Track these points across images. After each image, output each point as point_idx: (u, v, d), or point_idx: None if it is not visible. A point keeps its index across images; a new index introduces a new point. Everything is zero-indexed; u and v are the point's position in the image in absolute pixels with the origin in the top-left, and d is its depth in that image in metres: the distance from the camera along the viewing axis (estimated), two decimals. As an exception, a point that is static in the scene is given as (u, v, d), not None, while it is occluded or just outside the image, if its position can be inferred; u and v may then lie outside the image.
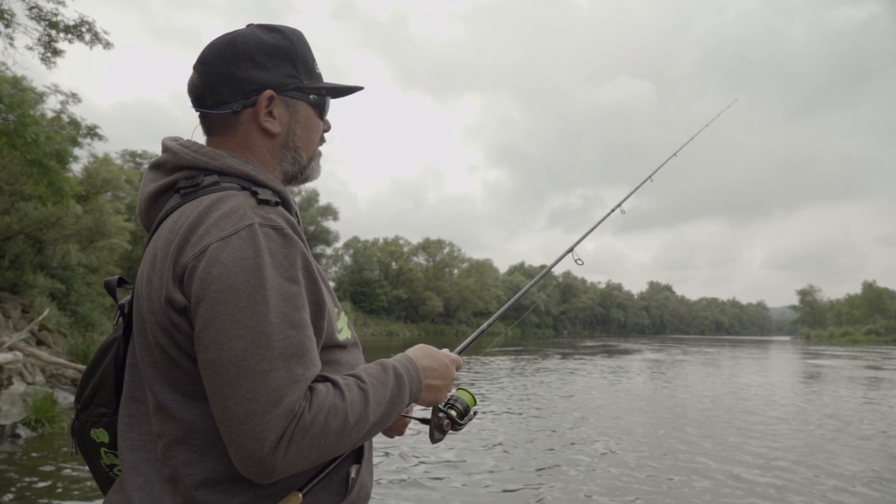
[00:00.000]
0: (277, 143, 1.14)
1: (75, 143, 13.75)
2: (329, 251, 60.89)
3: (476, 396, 1.32)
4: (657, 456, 7.32)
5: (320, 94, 1.17)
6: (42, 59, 11.71)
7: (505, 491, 5.80)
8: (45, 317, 13.94)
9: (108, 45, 11.73)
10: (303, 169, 1.19)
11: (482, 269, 77.30)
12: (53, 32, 11.44)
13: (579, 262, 1.92)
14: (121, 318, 1.14)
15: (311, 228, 53.26)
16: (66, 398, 9.25)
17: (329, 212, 55.37)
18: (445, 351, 1.24)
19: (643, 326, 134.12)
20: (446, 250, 73.66)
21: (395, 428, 1.34)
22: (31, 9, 11.19)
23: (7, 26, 11.20)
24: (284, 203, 1.07)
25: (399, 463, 6.64)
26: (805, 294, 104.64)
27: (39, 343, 13.04)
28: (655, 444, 7.98)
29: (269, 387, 0.88)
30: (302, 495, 1.00)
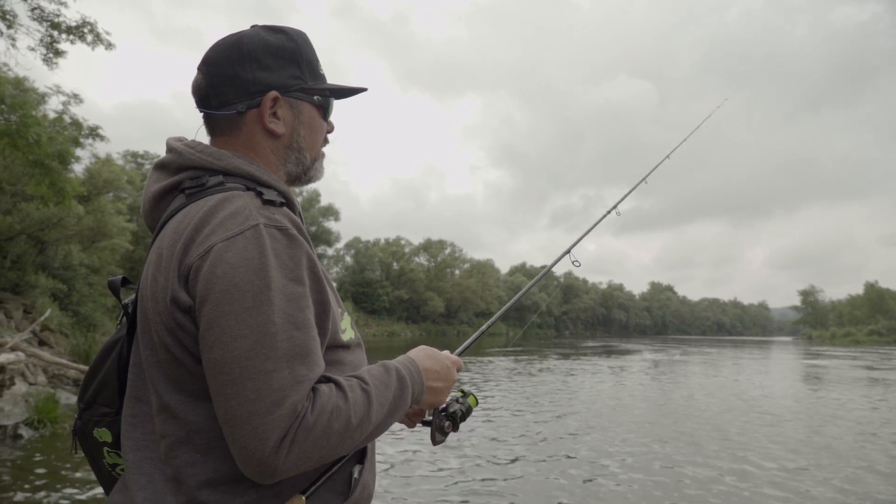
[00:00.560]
0: (282, 144, 1.14)
1: (77, 144, 13.78)
2: (330, 252, 60.93)
3: (478, 397, 1.32)
4: (659, 456, 7.32)
5: (324, 96, 1.18)
6: (44, 60, 11.73)
7: (506, 491, 5.80)
8: (46, 317, 13.96)
9: (109, 45, 11.75)
10: (307, 170, 1.19)
11: (483, 269, 77.26)
12: (55, 33, 11.46)
13: (576, 263, 1.93)
14: (124, 318, 1.14)
15: (313, 229, 53.26)
16: (67, 398, 9.26)
17: (330, 212, 55.40)
18: (446, 353, 1.24)
19: (645, 327, 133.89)
20: (448, 251, 73.64)
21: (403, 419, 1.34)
22: (33, 10, 11.21)
23: (9, 27, 11.22)
24: (289, 204, 1.07)
25: (401, 463, 6.64)
26: (807, 294, 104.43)
27: (41, 343, 13.05)
28: (657, 445, 7.97)
29: (272, 387, 0.88)
30: (305, 498, 1.00)
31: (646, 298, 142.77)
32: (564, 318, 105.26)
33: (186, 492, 0.97)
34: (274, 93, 1.11)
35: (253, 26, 1.16)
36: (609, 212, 2.25)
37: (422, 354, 1.17)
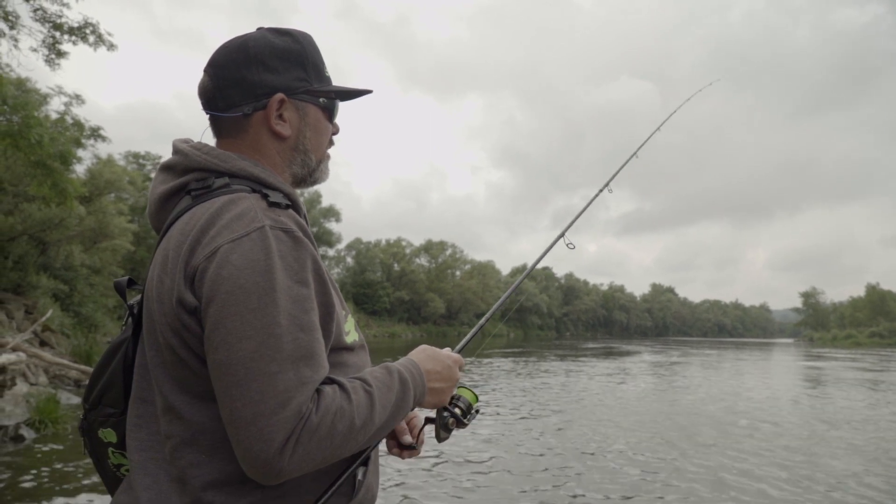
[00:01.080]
0: (287, 146, 1.15)
1: (79, 145, 13.83)
2: (332, 252, 60.97)
3: (478, 394, 1.33)
4: (661, 456, 7.31)
5: (330, 98, 1.18)
6: (46, 61, 11.77)
7: (508, 492, 5.79)
8: (48, 318, 13.98)
9: (111, 46, 11.78)
10: (312, 172, 1.20)
11: (484, 270, 77.29)
12: (58, 34, 11.50)
13: (570, 245, 1.93)
14: (130, 319, 1.14)
15: (314, 230, 52.71)
16: (69, 399, 9.27)
17: (332, 213, 55.43)
18: (447, 351, 1.24)
19: (646, 328, 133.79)
20: (448, 252, 73.68)
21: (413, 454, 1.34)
22: (35, 11, 11.24)
23: (12, 28, 11.25)
24: (294, 206, 1.07)
25: (403, 464, 6.63)
26: (808, 296, 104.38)
27: (43, 344, 13.07)
28: (659, 445, 7.96)
29: (277, 388, 0.88)
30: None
31: (647, 300, 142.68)
32: (565, 319, 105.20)
33: (191, 492, 0.97)
34: (280, 95, 1.11)
35: (259, 29, 1.17)
36: (601, 190, 2.27)
37: (423, 356, 1.17)
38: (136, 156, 34.06)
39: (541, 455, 7.35)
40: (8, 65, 11.73)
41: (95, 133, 14.74)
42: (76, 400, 9.37)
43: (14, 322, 13.92)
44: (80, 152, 15.17)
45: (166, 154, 1.14)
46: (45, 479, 5.66)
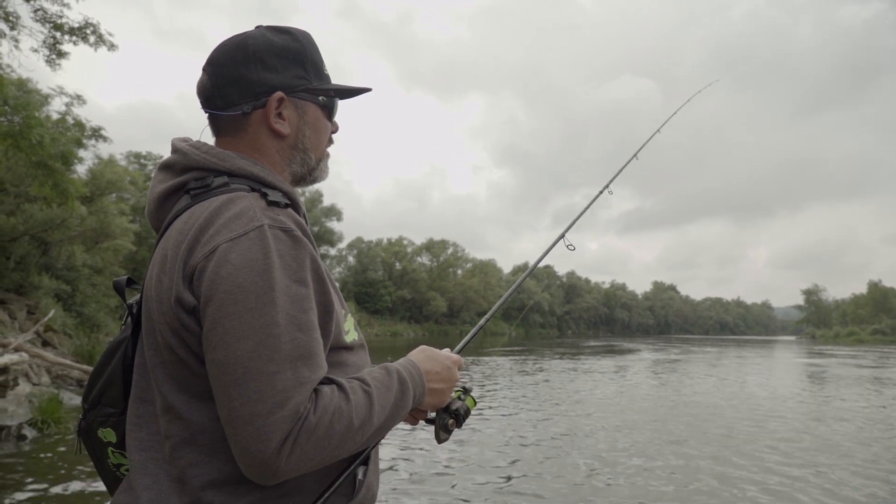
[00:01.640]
0: (287, 145, 1.14)
1: (80, 145, 13.84)
2: (333, 252, 60.99)
3: (478, 398, 1.32)
4: (661, 456, 7.31)
5: (329, 96, 1.18)
6: (47, 62, 11.77)
7: (509, 491, 5.79)
8: (50, 318, 14.00)
9: (112, 46, 11.78)
10: (311, 170, 1.19)
11: (486, 269, 77.25)
12: (58, 34, 11.50)
13: (570, 247, 1.93)
14: (129, 319, 1.14)
15: (316, 229, 53.28)
16: (71, 399, 9.29)
17: (333, 212, 55.43)
18: (446, 352, 1.24)
19: (647, 326, 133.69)
20: (450, 250, 73.65)
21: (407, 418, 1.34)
22: (36, 11, 11.24)
23: (12, 28, 11.25)
24: (294, 205, 1.07)
25: (403, 464, 6.64)
26: (810, 294, 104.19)
27: (45, 344, 13.10)
28: (660, 443, 7.96)
29: (275, 388, 0.88)
30: None
31: (648, 298, 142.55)
32: (567, 317, 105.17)
33: (190, 492, 0.97)
34: (279, 93, 1.11)
35: (258, 27, 1.16)
36: (601, 192, 2.27)
37: (422, 356, 1.17)
38: (138, 156, 34.06)
39: (541, 454, 7.35)
40: (9, 65, 11.74)
41: (96, 133, 14.74)
42: (79, 400, 9.39)
43: (16, 322, 13.95)
44: (82, 153, 15.17)
45: (167, 154, 1.14)
46: (48, 480, 5.67)
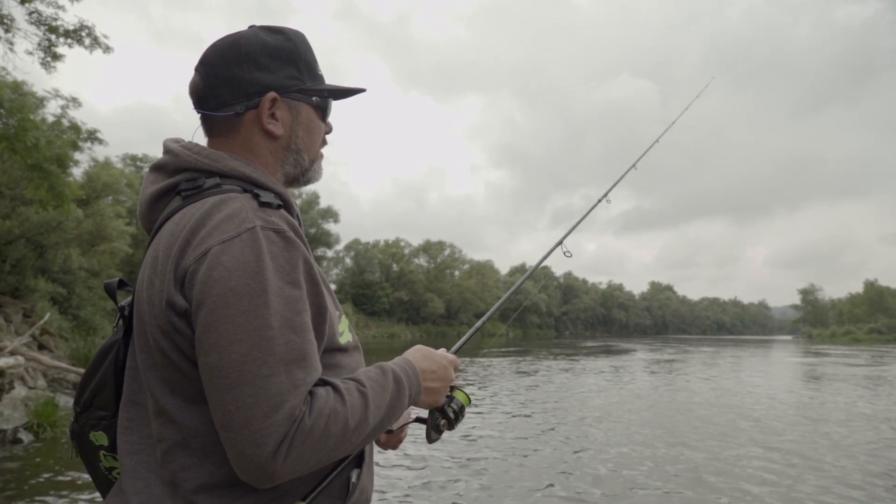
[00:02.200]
0: (279, 146, 1.14)
1: (76, 148, 13.74)
2: (330, 253, 60.89)
3: (472, 396, 1.31)
4: (658, 455, 7.31)
5: (322, 97, 1.17)
6: (42, 64, 11.73)
7: (506, 490, 5.79)
8: (46, 321, 13.95)
9: (107, 49, 11.74)
10: (304, 171, 1.19)
11: (483, 270, 77.25)
12: (53, 37, 11.46)
13: (567, 254, 1.93)
14: (121, 321, 1.13)
15: (312, 231, 53.21)
16: (67, 402, 9.25)
17: (330, 214, 55.36)
18: (443, 351, 1.23)
19: (645, 327, 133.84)
20: (447, 252, 73.62)
21: (389, 443, 1.34)
22: (30, 14, 11.21)
23: (7, 31, 11.22)
24: (286, 206, 1.06)
25: (399, 466, 6.63)
26: (807, 293, 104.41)
27: (41, 347, 13.04)
28: (659, 444, 7.96)
29: (269, 391, 0.88)
30: None
31: (646, 298, 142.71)
32: (564, 318, 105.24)
33: (182, 496, 0.96)
34: (272, 94, 1.10)
35: (251, 27, 1.15)
36: (600, 200, 2.25)
37: (418, 355, 1.16)
38: (134, 158, 33.98)
39: (539, 454, 7.35)
40: (4, 68, 11.71)
41: (92, 136, 14.67)
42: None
43: (12, 326, 13.89)
44: (77, 155, 15.07)
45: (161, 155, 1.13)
46: (43, 483, 5.64)
